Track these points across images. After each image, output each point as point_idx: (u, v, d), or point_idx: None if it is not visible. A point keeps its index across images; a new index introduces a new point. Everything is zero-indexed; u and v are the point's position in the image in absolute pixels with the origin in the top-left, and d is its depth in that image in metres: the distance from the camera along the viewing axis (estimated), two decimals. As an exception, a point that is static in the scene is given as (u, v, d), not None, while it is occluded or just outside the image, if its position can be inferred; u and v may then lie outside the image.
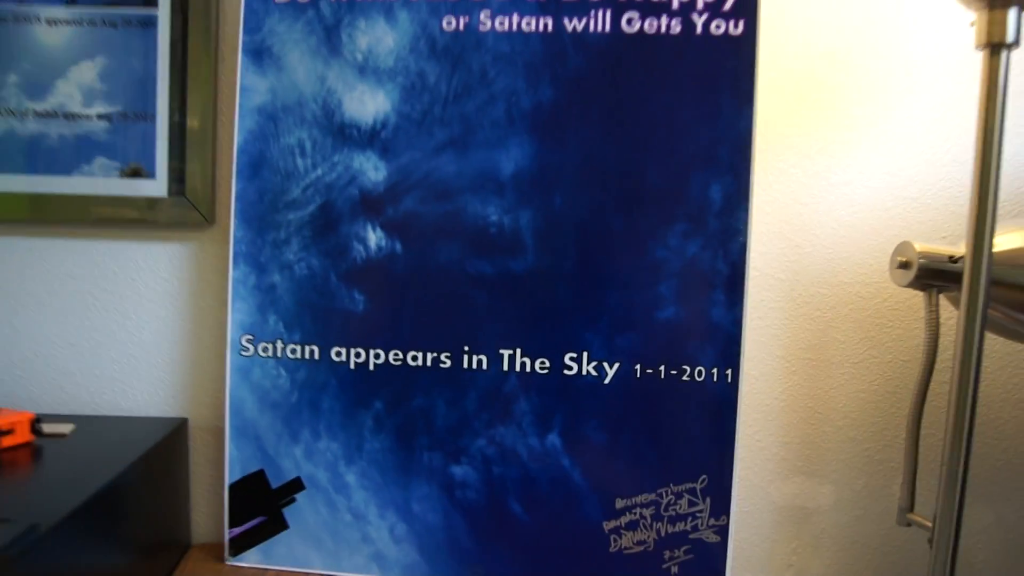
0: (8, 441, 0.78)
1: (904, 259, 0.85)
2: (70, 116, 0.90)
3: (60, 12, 0.89)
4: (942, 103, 0.94)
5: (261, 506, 0.88)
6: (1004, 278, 0.83)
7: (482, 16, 0.83)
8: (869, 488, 0.97)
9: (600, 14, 0.82)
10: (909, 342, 0.96)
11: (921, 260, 0.83)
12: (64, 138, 0.90)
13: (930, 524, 0.80)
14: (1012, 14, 0.75)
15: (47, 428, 0.83)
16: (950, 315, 0.83)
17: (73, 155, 0.90)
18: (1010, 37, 0.76)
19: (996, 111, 0.76)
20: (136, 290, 0.93)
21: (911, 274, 0.84)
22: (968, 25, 0.78)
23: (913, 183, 0.96)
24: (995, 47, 0.76)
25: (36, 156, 0.90)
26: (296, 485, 0.87)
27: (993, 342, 0.92)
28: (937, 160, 0.95)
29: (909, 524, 0.85)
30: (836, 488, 0.97)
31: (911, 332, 0.96)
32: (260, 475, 0.87)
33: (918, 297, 0.91)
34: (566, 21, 0.82)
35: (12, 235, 0.92)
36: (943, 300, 0.85)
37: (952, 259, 0.83)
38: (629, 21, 0.82)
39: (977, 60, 0.77)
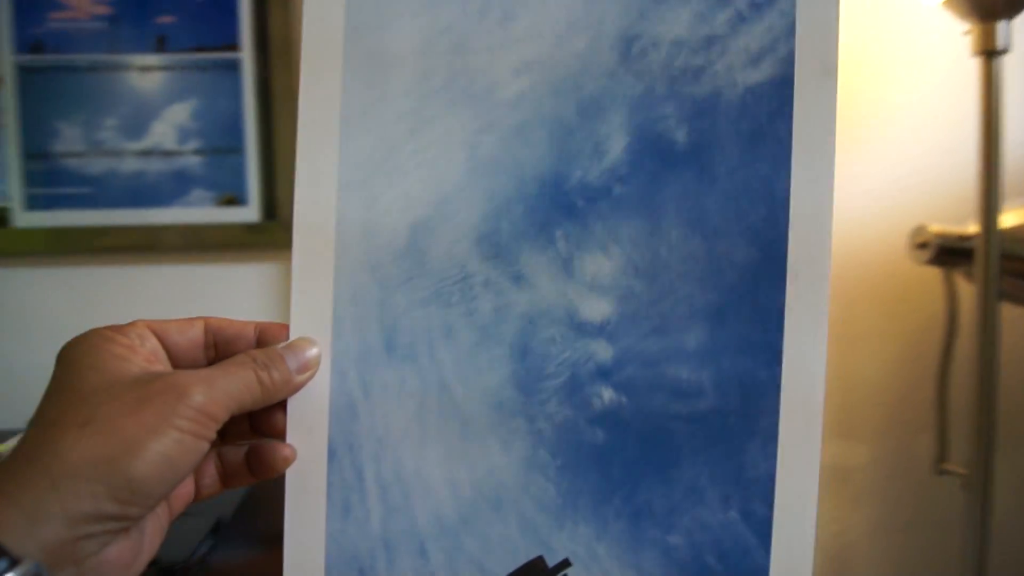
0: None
1: (922, 240, 0.97)
2: (167, 154, 0.98)
3: (151, 59, 0.98)
4: (940, 100, 1.06)
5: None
6: (1010, 252, 0.95)
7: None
8: (898, 446, 1.09)
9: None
10: (922, 313, 1.08)
11: (937, 240, 0.95)
12: (162, 173, 0.98)
13: (964, 471, 0.92)
14: (1002, 25, 0.88)
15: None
16: (962, 288, 0.95)
17: (172, 188, 0.99)
18: (1000, 45, 0.88)
19: (994, 109, 0.88)
20: (235, 309, 1.02)
21: (929, 253, 0.96)
22: (962, 35, 0.90)
23: (916, 172, 1.08)
24: (989, 53, 0.88)
25: (137, 191, 0.98)
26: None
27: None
28: (936, 150, 1.08)
29: (943, 473, 0.96)
30: (870, 448, 1.09)
31: (923, 305, 1.08)
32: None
33: (929, 273, 1.03)
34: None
35: (122, 264, 1.00)
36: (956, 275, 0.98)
37: (964, 238, 0.95)
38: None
39: (969, 62, 0.89)
